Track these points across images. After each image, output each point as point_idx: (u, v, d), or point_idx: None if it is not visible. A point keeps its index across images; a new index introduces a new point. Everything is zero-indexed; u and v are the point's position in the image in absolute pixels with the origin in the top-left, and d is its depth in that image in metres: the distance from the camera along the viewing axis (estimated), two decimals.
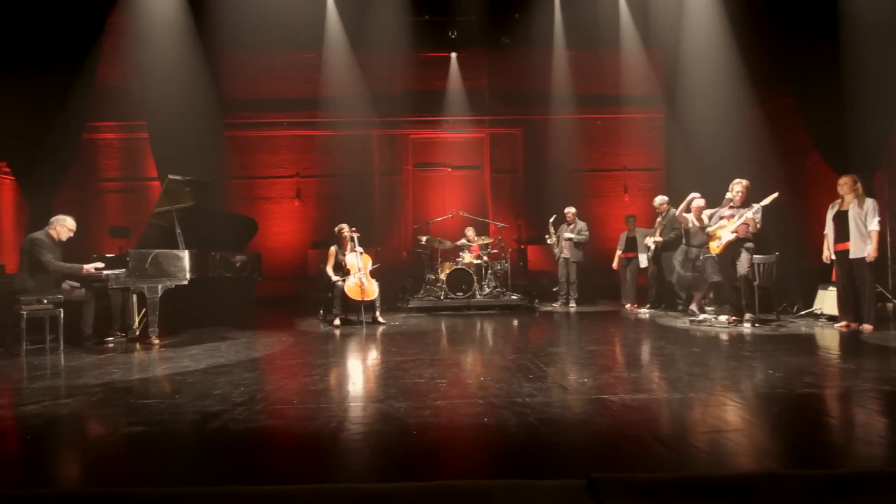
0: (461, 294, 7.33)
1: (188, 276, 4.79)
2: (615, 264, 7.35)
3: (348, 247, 6.10)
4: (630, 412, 2.27)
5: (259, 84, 9.33)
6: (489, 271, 7.68)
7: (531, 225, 9.66)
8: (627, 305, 7.08)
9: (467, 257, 7.59)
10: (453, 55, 9.38)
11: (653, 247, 6.68)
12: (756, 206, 5.05)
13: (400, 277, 8.89)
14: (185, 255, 4.79)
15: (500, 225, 8.13)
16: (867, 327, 4.50)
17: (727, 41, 7.26)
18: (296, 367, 3.56)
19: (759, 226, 5.03)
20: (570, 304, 7.48)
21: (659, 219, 6.77)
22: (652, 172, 9.83)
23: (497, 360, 3.77)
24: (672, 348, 3.94)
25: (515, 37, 8.89)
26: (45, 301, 4.34)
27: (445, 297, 7.40)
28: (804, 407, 2.40)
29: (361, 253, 6.03)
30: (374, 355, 4.09)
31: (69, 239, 4.80)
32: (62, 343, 4.41)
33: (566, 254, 7.53)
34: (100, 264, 4.67)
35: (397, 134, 9.90)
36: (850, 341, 4.09)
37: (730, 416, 2.25)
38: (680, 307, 6.62)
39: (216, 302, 6.82)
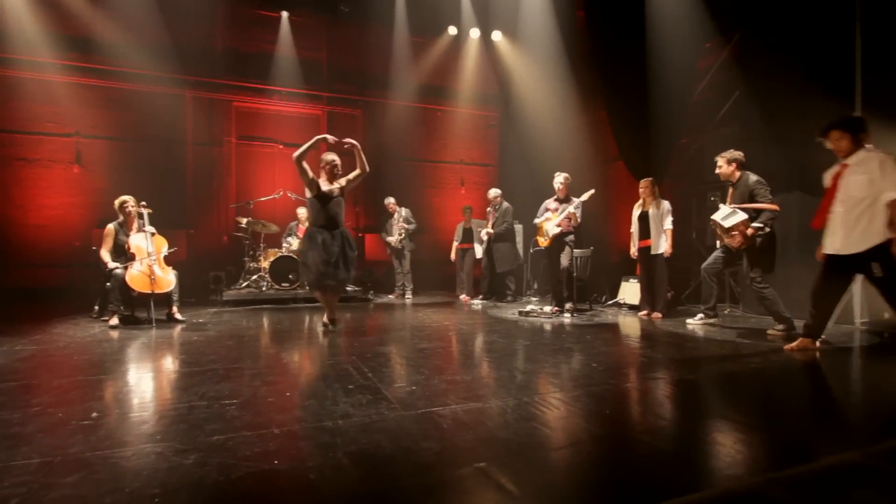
0: (287, 285, 6.51)
1: None
2: (453, 255, 7.31)
3: (135, 225, 4.84)
4: (462, 430, 1.94)
5: (18, 8, 7.03)
6: None
7: (369, 213, 9.19)
8: (462, 296, 7.08)
9: (295, 243, 6.78)
10: (285, 14, 8.34)
11: (486, 238, 6.76)
12: (576, 201, 5.35)
13: (217, 265, 7.66)
14: None
15: None
16: (657, 315, 5.07)
17: (558, 51, 7.73)
18: (6, 395, 2.49)
19: (579, 220, 5.35)
20: (407, 296, 7.24)
21: (489, 209, 6.87)
22: (487, 168, 10.15)
23: (314, 367, 3.20)
24: (503, 343, 3.84)
25: (355, 7, 8.28)
26: None
27: (269, 289, 6.50)
28: (630, 407, 2.36)
29: (153, 234, 4.83)
30: (146, 369, 3.15)
31: None
32: None
33: (399, 244, 7.28)
34: None
35: (217, 98, 8.45)
36: (649, 329, 4.50)
37: (565, 422, 2.07)
38: (509, 298, 6.84)
39: None
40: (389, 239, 7.35)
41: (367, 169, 4.20)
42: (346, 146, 4.09)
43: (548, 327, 4.60)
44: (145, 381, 2.83)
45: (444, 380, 2.68)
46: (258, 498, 1.44)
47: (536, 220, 5.61)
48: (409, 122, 9.31)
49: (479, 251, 7.09)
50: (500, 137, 10.03)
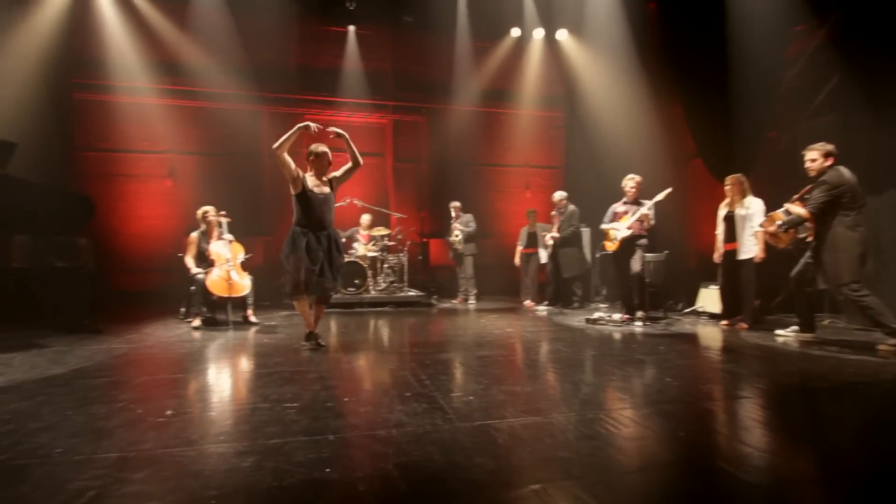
0: (353, 289, 6.69)
1: None
2: (516, 260, 7.16)
3: (215, 234, 5.17)
4: (518, 447, 1.84)
5: (118, 39, 7.83)
6: (385, 265, 7.12)
7: (434, 218, 9.25)
8: (526, 302, 6.91)
9: (361, 248, 6.97)
10: (351, 28, 8.63)
11: (551, 243, 6.55)
12: (649, 203, 5.02)
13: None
14: None
15: (399, 216, 7.60)
16: (742, 325, 4.62)
17: (627, 47, 7.38)
18: (98, 390, 2.70)
19: (652, 222, 5.01)
20: (470, 301, 7.19)
21: (555, 212, 6.65)
22: (552, 170, 9.88)
23: (373, 373, 3.22)
24: (568, 352, 3.66)
25: (418, 17, 8.42)
26: None
27: (335, 293, 6.70)
28: (708, 429, 2.14)
29: (231, 241, 5.15)
30: (220, 369, 3.32)
31: None
32: None
33: (459, 247, 7.25)
34: None
35: (291, 112, 8.90)
36: (733, 340, 4.11)
37: (633, 443, 1.90)
38: (576, 304, 6.57)
39: (48, 297, 5.49)
40: (449, 240, 7.40)
41: (361, 161, 3.74)
42: (331, 135, 3.63)
43: (617, 336, 4.34)
44: (217, 381, 2.98)
45: (504, 390, 2.59)
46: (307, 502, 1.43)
47: (603, 226, 5.34)
48: (473, 126, 9.29)
49: (543, 256, 6.89)
50: (565, 139, 9.73)
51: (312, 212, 3.59)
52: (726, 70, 5.64)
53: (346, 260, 6.79)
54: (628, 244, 5.06)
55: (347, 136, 3.64)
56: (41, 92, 6.92)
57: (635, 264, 5.05)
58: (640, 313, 5.08)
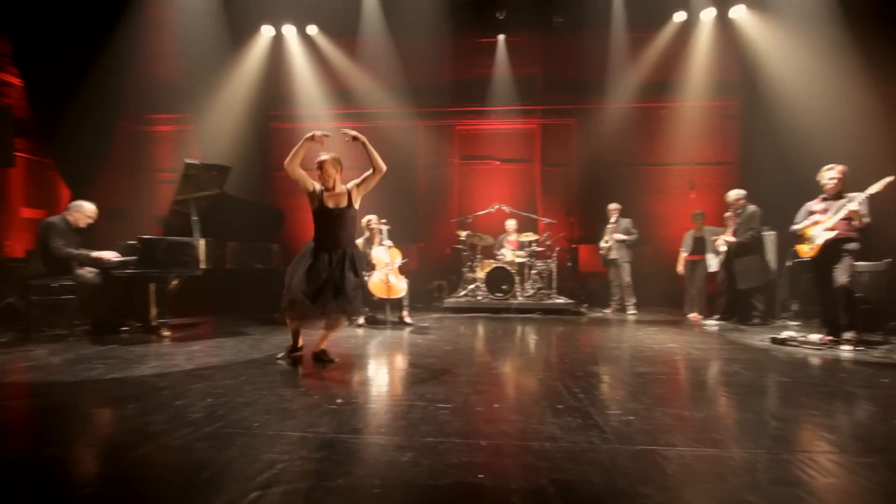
0: (500, 295, 6.72)
1: (202, 265, 4.52)
2: (680, 268, 6.45)
3: (376, 240, 5.66)
4: (692, 481, 1.61)
5: (301, 74, 9.12)
6: (533, 271, 7.02)
7: (584, 223, 8.85)
8: (691, 315, 6.18)
9: (509, 255, 6.99)
10: (501, 38, 8.74)
11: (724, 248, 5.75)
12: (860, 196, 4.07)
13: (441, 275, 8.44)
14: (200, 244, 4.51)
15: (548, 221, 7.43)
16: None
17: (827, 15, 6.18)
18: (284, 375, 3.11)
19: (866, 220, 4.05)
20: (630, 312, 6.67)
21: (729, 213, 5.82)
22: (723, 167, 8.71)
23: (523, 380, 3.15)
24: (748, 375, 3.14)
25: (570, 16, 8.17)
26: (55, 286, 4.20)
27: (483, 298, 6.82)
28: None
29: (390, 247, 5.58)
30: (380, 364, 3.59)
31: (90, 224, 4.65)
32: (73, 330, 4.26)
33: (613, 254, 6.77)
34: (112, 253, 4.47)
35: (442, 125, 9.37)
36: None
37: (849, 499, 1.53)
38: (756, 320, 5.66)
39: (249, 293, 6.63)
40: (599, 245, 6.96)
41: (384, 167, 3.33)
42: (347, 139, 3.30)
43: (815, 361, 3.60)
44: (378, 376, 3.23)
45: (669, 413, 2.31)
46: None
47: (795, 227, 4.49)
48: (628, 124, 8.67)
49: (713, 263, 6.08)
50: (741, 130, 8.50)
51: (326, 229, 3.30)
52: None
53: (494, 266, 6.86)
54: (831, 249, 4.17)
55: (365, 138, 3.31)
56: (246, 124, 8.49)
57: (841, 275, 4.13)
58: (848, 335, 4.14)
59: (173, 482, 1.61)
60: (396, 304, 5.51)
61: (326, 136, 3.27)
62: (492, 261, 7.08)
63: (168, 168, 9.80)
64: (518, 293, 6.77)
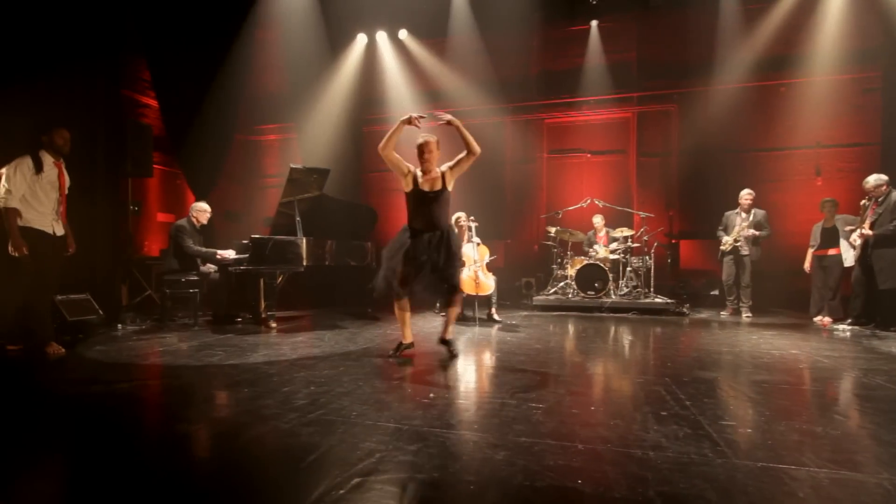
0: (592, 293, 6.45)
1: (304, 262, 4.84)
2: (807, 265, 5.71)
3: (465, 237, 5.68)
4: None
5: (392, 78, 9.42)
6: (628, 268, 6.65)
7: (685, 216, 8.21)
8: (818, 318, 5.47)
9: (601, 251, 6.69)
10: (594, 24, 8.36)
11: (859, 242, 5.01)
12: None
13: (529, 272, 8.31)
14: (303, 243, 4.84)
15: (645, 215, 6.98)
16: None
17: None
18: (379, 367, 3.23)
19: None
20: (745, 314, 6.01)
21: (866, 201, 5.05)
22: (859, 148, 7.59)
23: (620, 383, 2.98)
24: (894, 390, 2.70)
25: None
26: (183, 280, 4.75)
27: (574, 296, 6.59)
28: None
29: (478, 244, 5.58)
30: (469, 361, 3.58)
31: (211, 223, 5.21)
32: (197, 320, 4.79)
33: (744, 250, 6.05)
34: (230, 251, 4.96)
35: (531, 119, 9.19)
36: None
37: None
38: None
39: (345, 288, 7.03)
40: (725, 239, 6.20)
41: (478, 150, 3.25)
42: (439, 122, 3.25)
43: None
44: (468, 372, 3.23)
45: (796, 428, 2.05)
46: None
47: None
48: (739, 106, 7.86)
49: (848, 258, 5.31)
50: (883, 104, 7.34)
51: (422, 211, 3.29)
52: None
53: (586, 262, 6.59)
54: None
55: (459, 122, 3.23)
56: (342, 129, 8.99)
57: None
58: None
59: (283, 463, 1.73)
60: (485, 301, 5.50)
61: (422, 117, 3.26)
62: (583, 257, 6.81)
63: (274, 174, 10.66)
64: (612, 291, 6.45)
